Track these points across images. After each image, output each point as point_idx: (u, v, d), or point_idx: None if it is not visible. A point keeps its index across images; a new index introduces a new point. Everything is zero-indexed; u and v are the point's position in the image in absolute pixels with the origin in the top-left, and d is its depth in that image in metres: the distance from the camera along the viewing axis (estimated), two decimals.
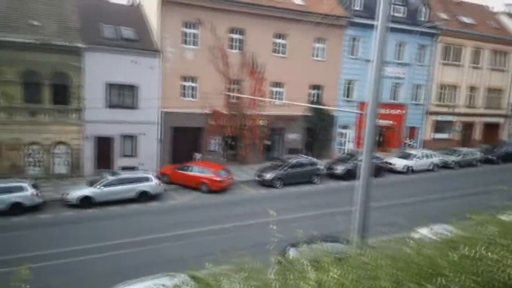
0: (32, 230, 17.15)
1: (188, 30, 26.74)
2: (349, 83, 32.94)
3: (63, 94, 24.03)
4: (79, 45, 23.68)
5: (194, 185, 23.54)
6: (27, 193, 18.99)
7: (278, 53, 29.81)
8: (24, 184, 19.26)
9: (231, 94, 27.77)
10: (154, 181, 21.79)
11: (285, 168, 25.40)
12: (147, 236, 16.49)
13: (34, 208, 19.17)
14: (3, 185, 19.02)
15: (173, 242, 16.08)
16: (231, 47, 28.14)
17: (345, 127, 33.40)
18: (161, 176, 23.89)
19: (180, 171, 24.30)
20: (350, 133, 33.74)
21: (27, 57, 22.59)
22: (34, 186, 19.67)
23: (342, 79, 32.46)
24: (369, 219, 10.39)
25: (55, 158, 24.46)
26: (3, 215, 18.24)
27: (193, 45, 26.97)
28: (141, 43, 25.88)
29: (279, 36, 29.67)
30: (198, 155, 27.52)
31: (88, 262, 14.06)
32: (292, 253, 10.91)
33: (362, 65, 32.27)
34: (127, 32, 25.97)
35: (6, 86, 22.52)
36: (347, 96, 32.98)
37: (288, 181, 25.10)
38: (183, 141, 27.42)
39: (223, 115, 28.01)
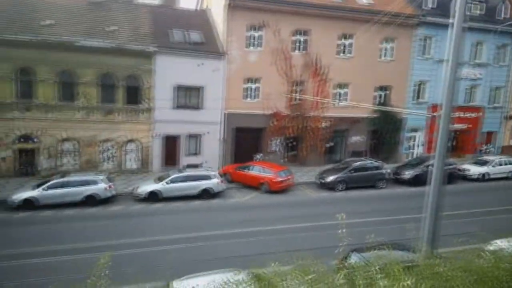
0: (105, 221, 18.38)
1: (252, 33, 27.10)
2: (419, 84, 31.32)
3: (135, 95, 25.55)
4: (151, 49, 25.03)
5: (254, 185, 23.77)
6: (101, 186, 20.39)
7: (344, 53, 29.17)
8: (99, 178, 20.71)
9: (294, 95, 27.67)
10: (216, 180, 22.33)
11: (347, 171, 24.74)
12: (209, 232, 16.93)
13: (107, 201, 20.56)
14: (80, 178, 20.62)
15: (234, 239, 16.33)
16: (295, 48, 28.05)
17: (414, 130, 31.80)
18: (222, 175, 24.45)
19: (241, 171, 24.68)
20: (420, 136, 32.05)
21: (104, 60, 24.33)
22: (108, 180, 21.07)
23: (411, 80, 30.93)
24: (440, 228, 9.77)
25: (127, 155, 26.07)
26: (80, 206, 19.78)
27: (257, 47, 27.28)
28: (207, 46, 26.71)
29: (345, 36, 29.01)
30: (258, 156, 27.77)
31: (156, 253, 14.72)
32: (354, 258, 10.56)
33: (434, 65, 30.59)
34: (195, 36, 26.96)
35: (85, 87, 24.42)
36: (417, 98, 31.38)
37: (350, 184, 24.42)
38: (244, 141, 27.85)
39: (284, 116, 27.99)
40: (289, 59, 27.60)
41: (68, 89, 24.30)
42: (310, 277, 3.56)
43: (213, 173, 22.82)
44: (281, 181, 23.33)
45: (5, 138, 23.40)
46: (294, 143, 29.28)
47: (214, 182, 22.19)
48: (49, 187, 19.55)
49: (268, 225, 17.94)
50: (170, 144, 26.66)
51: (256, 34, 27.19)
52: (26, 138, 23.88)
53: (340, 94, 29.64)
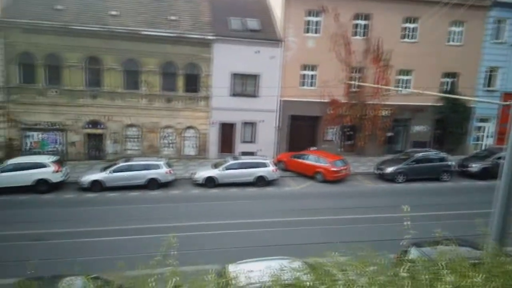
0: (166, 204, 19.18)
1: (310, 18, 26.52)
2: (490, 71, 28.91)
3: (194, 83, 26.20)
4: (210, 37, 25.43)
5: (309, 174, 23.50)
6: (162, 170, 21.28)
7: (407, 38, 27.64)
8: (160, 163, 21.62)
9: (353, 82, 26.79)
10: (271, 167, 22.37)
11: (409, 162, 23.61)
12: (264, 219, 17.05)
13: (167, 184, 21.44)
14: (143, 162, 21.66)
15: (287, 227, 16.31)
16: (355, 33, 27.06)
17: (483, 120, 29.55)
18: (277, 163, 24.45)
19: (295, 159, 24.50)
20: (489, 127, 29.70)
21: (165, 49, 25.16)
22: (168, 165, 21.94)
23: (482, 66, 28.62)
24: (510, 224, 9.01)
25: (185, 141, 26.94)
26: (142, 188, 20.82)
27: (315, 33, 26.67)
28: (264, 34, 26.59)
29: (410, 20, 27.44)
30: (313, 148, 27.37)
31: (214, 237, 15.13)
32: (414, 253, 10.11)
33: (508, 51, 28.06)
34: (252, 23, 26.94)
35: (148, 75, 25.46)
36: (488, 85, 29.02)
37: (411, 176, 23.31)
38: (300, 129, 27.55)
39: (342, 104, 27.22)
40: (348, 44, 26.69)
41: (132, 78, 25.50)
42: (371, 269, 3.39)
43: (267, 161, 22.88)
44: (337, 171, 22.83)
45: (76, 123, 25.16)
46: (352, 132, 28.46)
47: (269, 170, 22.25)
48: (115, 170, 20.76)
49: (323, 215, 17.69)
50: (226, 131, 27.10)
51: (315, 20, 26.56)
52: (94, 123, 25.50)
53: (402, 81, 28.22)
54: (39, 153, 23.97)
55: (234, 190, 21.42)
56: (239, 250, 13.31)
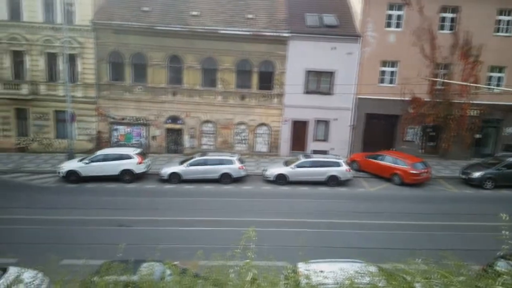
0: (238, 198, 19.54)
1: (392, 12, 25.22)
2: None
3: (268, 80, 26.36)
4: (285, 34, 25.39)
5: (385, 175, 22.43)
6: (235, 166, 21.75)
7: (502, 31, 25.08)
8: (233, 158, 22.11)
9: (437, 79, 24.99)
10: (344, 167, 21.72)
11: (499, 167, 21.46)
12: (335, 220, 16.61)
13: (239, 180, 21.87)
14: (218, 157, 22.30)
15: (360, 229, 15.71)
16: (441, 27, 25.19)
17: None
18: (350, 163, 23.69)
19: (371, 159, 23.51)
20: None
21: (241, 47, 25.64)
22: (240, 160, 22.35)
23: None
24: None
25: (257, 138, 27.25)
26: (216, 182, 21.47)
27: (396, 27, 25.32)
28: (341, 29, 25.88)
29: (505, 12, 24.87)
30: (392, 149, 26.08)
31: (284, 234, 15.08)
32: (502, 266, 9.17)
33: None
34: (329, 19, 26.36)
35: (224, 73, 26.17)
36: None
37: (502, 182, 21.19)
38: (376, 128, 26.41)
39: (424, 103, 25.53)
40: (433, 39, 24.95)
41: (209, 75, 26.41)
42: (459, 279, 3.06)
43: (341, 160, 22.26)
44: (417, 174, 21.48)
45: (158, 118, 26.71)
46: (434, 133, 26.60)
47: (342, 170, 21.64)
48: (191, 164, 21.67)
49: (400, 219, 16.76)
50: (298, 129, 26.89)
51: (396, 13, 25.22)
52: (174, 119, 26.85)
53: (494, 78, 25.70)
54: (124, 146, 25.90)
55: (305, 188, 21.18)
56: (308, 249, 13.08)
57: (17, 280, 4.45)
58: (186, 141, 27.15)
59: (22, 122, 26.45)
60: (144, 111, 26.53)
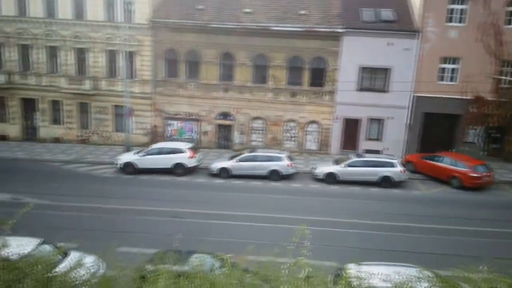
0: (287, 196, 19.41)
1: (454, 6, 23.82)
2: None
3: (319, 77, 25.96)
4: (339, 30, 24.84)
5: (443, 178, 21.28)
6: (283, 163, 21.59)
7: None
8: (282, 155, 22.01)
9: (503, 77, 23.25)
10: (398, 168, 20.88)
11: None
12: (386, 222, 16.00)
13: (287, 177, 21.74)
14: (267, 154, 22.28)
15: (414, 233, 15.02)
16: (508, 22, 23.42)
17: None
18: (405, 163, 22.74)
19: (427, 161, 22.41)
20: None
21: (293, 44, 25.45)
22: (289, 158, 22.21)
23: None
24: None
25: (307, 135, 26.94)
26: (264, 179, 21.48)
27: (459, 22, 23.87)
28: (399, 24, 24.86)
29: None
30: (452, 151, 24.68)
31: (333, 234, 14.79)
32: None
33: None
34: (386, 14, 25.42)
35: (275, 70, 26.12)
36: None
37: None
38: (434, 128, 25.11)
39: (488, 102, 23.89)
40: (499, 34, 23.25)
41: (260, 72, 26.50)
42: None
43: (395, 160, 21.40)
44: (478, 177, 20.16)
45: (209, 114, 27.24)
46: (498, 134, 24.83)
47: (396, 171, 20.81)
48: (241, 160, 21.87)
49: (457, 225, 15.81)
50: (350, 127, 26.23)
51: (459, 7, 23.77)
52: (225, 115, 27.25)
53: None
54: (177, 140, 26.69)
55: (355, 188, 20.63)
56: (358, 251, 12.73)
57: (79, 264, 4.65)
58: (236, 137, 27.47)
59: (84, 116, 28.13)
60: (196, 107, 27.17)
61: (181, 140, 26.51)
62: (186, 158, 21.99)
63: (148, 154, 22.17)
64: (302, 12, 26.06)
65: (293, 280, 3.80)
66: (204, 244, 9.14)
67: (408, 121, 25.29)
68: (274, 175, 21.52)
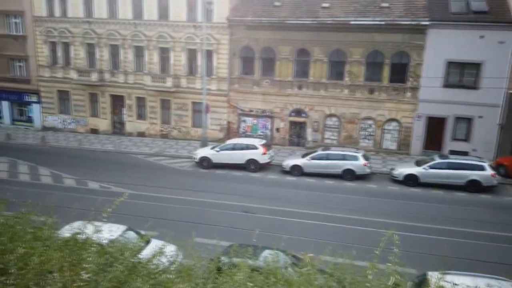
0: (361, 196, 18.70)
1: None
2: None
3: (401, 72, 24.58)
4: (424, 22, 23.26)
5: None
6: (359, 162, 20.80)
7: None
8: (358, 154, 21.20)
9: None
10: (488, 171, 19.03)
11: None
12: (474, 230, 14.63)
13: (363, 177, 20.91)
14: (341, 152, 21.60)
15: (504, 243, 13.55)
16: None
17: None
18: (496, 167, 20.66)
19: None
20: None
21: (373, 38, 24.38)
22: (365, 157, 21.34)
23: None
24: None
25: (385, 134, 25.68)
26: (337, 178, 20.89)
27: None
28: (492, 15, 22.63)
29: None
30: None
31: (416, 239, 13.92)
32: None
33: None
34: (477, 4, 23.25)
35: (352, 65, 25.24)
36: None
37: None
38: None
39: None
40: None
41: (336, 68, 25.83)
42: None
43: (485, 163, 19.51)
44: None
45: (282, 111, 27.21)
46: None
47: (485, 174, 18.99)
48: (314, 158, 21.52)
49: None
50: (434, 126, 24.48)
51: None
52: (298, 112, 27.02)
53: None
54: (251, 136, 27.08)
55: (439, 192, 19.22)
56: (438, 258, 11.77)
57: (160, 252, 4.83)
58: (309, 134, 27.10)
59: (165, 112, 29.77)
60: (270, 104, 27.29)
61: (254, 137, 26.84)
62: (259, 154, 22.20)
63: (223, 150, 22.77)
64: (384, 4, 24.82)
65: (380, 286, 3.54)
66: (275, 240, 9.07)
67: (501, 121, 22.90)
68: (349, 175, 20.84)
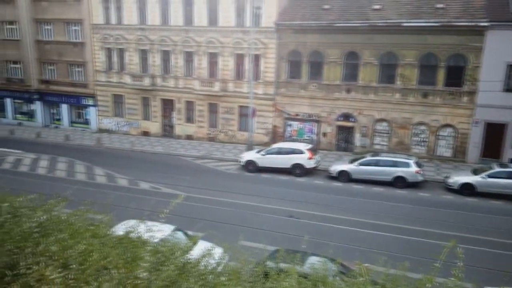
0: (412, 205, 17.88)
1: None
2: None
3: (457, 76, 23.36)
4: (483, 24, 21.96)
5: None
6: (411, 169, 19.99)
7: None
8: (410, 161, 20.35)
9: None
10: None
11: None
12: None
13: (415, 185, 20.02)
14: (392, 159, 20.90)
15: None
16: None
17: None
18: None
19: None
20: None
21: (426, 40, 23.37)
22: (417, 164, 20.42)
23: None
24: None
25: (439, 140, 24.47)
26: (387, 185, 20.18)
27: None
28: None
29: None
30: None
31: (475, 252, 13.09)
32: None
33: None
34: None
35: (404, 69, 24.33)
36: None
37: None
38: None
39: None
40: None
41: (387, 71, 25.02)
42: None
43: None
44: None
45: (329, 116, 26.75)
46: None
47: None
48: (362, 164, 20.90)
49: None
50: (492, 132, 23.00)
51: None
52: (346, 116, 26.44)
53: None
54: (296, 141, 26.85)
55: (497, 202, 17.99)
56: (494, 272, 10.98)
57: (208, 253, 4.84)
58: (357, 139, 26.42)
59: (213, 115, 30.32)
60: (317, 108, 26.94)
61: (300, 141, 26.59)
62: (305, 159, 21.94)
63: (268, 154, 22.75)
64: (439, 5, 23.72)
65: None
66: (321, 247, 8.88)
67: None
68: (399, 182, 20.03)
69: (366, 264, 4.66)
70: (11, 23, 34.36)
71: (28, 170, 22.85)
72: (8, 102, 36.71)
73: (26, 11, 33.22)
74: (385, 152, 23.55)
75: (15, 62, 35.10)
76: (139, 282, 2.81)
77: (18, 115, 36.86)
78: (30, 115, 36.35)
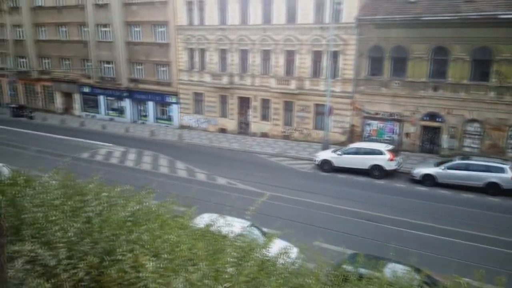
0: (507, 215, 16.18)
1: None
2: None
3: None
4: None
5: None
6: (506, 175, 18.08)
7: None
8: (506, 166, 18.39)
9: None
10: None
11: None
12: None
13: (511, 192, 18.03)
14: (484, 163, 19.06)
15: None
16: None
17: None
18: None
19: None
20: None
21: None
22: None
23: None
24: None
25: None
26: (478, 191, 18.43)
27: None
28: None
29: None
30: None
31: None
32: None
33: None
34: None
35: (501, 65, 22.01)
36: None
37: None
38: None
39: None
40: None
41: (480, 68, 22.86)
42: None
43: None
44: None
45: (413, 115, 25.14)
46: None
47: None
48: (450, 167, 19.36)
49: None
50: None
51: None
52: (432, 116, 24.63)
53: None
54: (376, 141, 25.68)
55: None
56: None
57: (285, 252, 4.78)
58: (444, 140, 24.49)
59: (288, 114, 30.23)
60: (399, 107, 25.49)
61: (380, 141, 25.38)
62: (385, 160, 20.91)
63: (345, 153, 22.07)
64: None
65: None
66: (400, 253, 8.31)
67: None
68: (493, 189, 18.19)
69: (465, 279, 4.23)
70: (105, 26, 37.53)
71: (118, 162, 24.80)
72: (101, 99, 40.24)
73: (118, 14, 36.04)
74: (476, 156, 21.52)
75: (108, 62, 38.30)
76: (222, 275, 2.81)
77: (110, 111, 40.24)
78: (120, 111, 39.45)
